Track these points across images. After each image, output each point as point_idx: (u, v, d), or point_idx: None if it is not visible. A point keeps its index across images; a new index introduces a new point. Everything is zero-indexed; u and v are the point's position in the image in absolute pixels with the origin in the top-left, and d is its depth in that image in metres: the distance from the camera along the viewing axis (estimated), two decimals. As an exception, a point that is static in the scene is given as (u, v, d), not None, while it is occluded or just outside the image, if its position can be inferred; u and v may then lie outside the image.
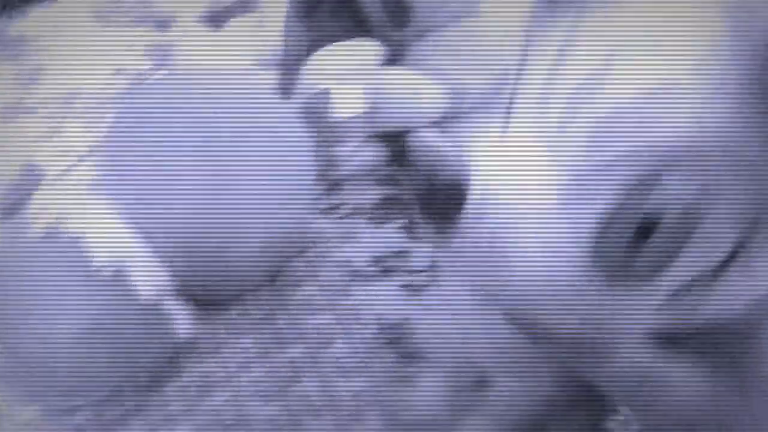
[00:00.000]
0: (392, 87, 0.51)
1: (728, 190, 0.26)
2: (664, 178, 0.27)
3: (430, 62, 0.53)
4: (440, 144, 0.51)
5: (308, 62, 0.50)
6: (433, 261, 0.50)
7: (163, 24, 0.65)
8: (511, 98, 0.33)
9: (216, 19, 0.60)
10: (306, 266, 0.50)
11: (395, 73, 0.51)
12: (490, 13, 0.51)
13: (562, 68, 0.30)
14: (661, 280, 0.28)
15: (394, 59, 0.56)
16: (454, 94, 0.50)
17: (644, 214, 0.27)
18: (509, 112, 0.33)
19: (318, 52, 0.50)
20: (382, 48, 0.50)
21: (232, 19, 0.57)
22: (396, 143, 0.55)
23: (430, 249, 0.51)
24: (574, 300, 0.29)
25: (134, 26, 0.66)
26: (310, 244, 0.51)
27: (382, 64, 0.52)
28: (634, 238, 0.27)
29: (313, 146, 0.48)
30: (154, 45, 0.65)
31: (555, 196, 0.29)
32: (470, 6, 0.52)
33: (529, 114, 0.31)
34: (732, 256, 0.27)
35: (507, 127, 0.33)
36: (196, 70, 0.52)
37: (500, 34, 0.51)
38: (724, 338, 0.28)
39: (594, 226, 0.28)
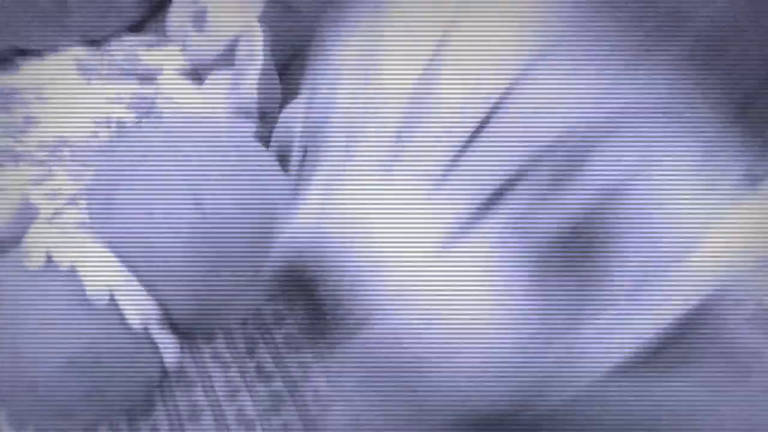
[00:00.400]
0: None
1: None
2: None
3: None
4: None
5: (286, 110, 0.54)
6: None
7: (146, 78, 0.69)
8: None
9: (197, 74, 0.64)
10: (287, 307, 0.53)
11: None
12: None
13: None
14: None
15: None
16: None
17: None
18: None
19: (295, 101, 0.54)
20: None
21: (212, 73, 0.61)
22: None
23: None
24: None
25: (118, 80, 0.69)
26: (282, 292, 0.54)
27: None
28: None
29: (290, 191, 0.51)
30: (137, 97, 0.69)
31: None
32: None
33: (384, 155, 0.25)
34: None
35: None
36: (181, 117, 0.55)
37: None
38: None
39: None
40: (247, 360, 0.49)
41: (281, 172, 0.51)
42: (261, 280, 0.50)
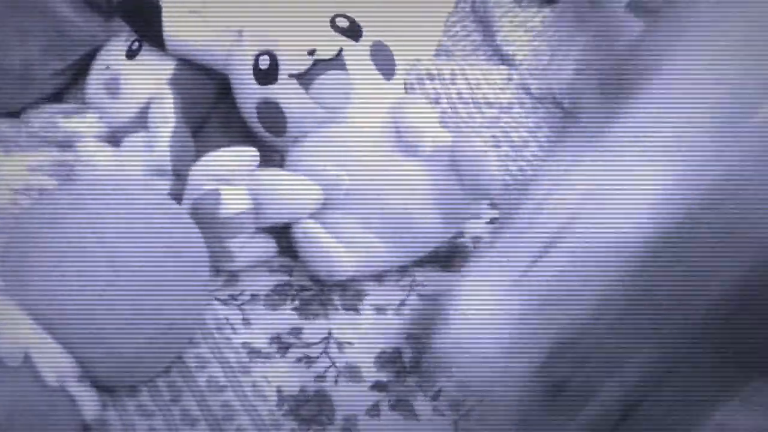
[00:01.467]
0: (271, 186, 0.58)
1: None
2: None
3: (304, 162, 0.61)
4: (319, 233, 0.58)
5: (195, 167, 0.57)
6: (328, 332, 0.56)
7: (66, 145, 0.71)
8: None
9: (114, 138, 0.66)
10: (210, 350, 0.55)
11: (272, 173, 0.59)
12: (353, 119, 0.60)
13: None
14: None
15: (277, 162, 0.63)
16: (325, 188, 0.58)
17: None
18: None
19: (203, 158, 0.57)
20: (257, 152, 0.57)
21: (128, 137, 0.63)
22: (284, 236, 0.61)
23: (322, 323, 0.57)
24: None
25: (38, 149, 0.71)
26: (213, 330, 0.56)
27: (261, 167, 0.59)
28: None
29: (204, 242, 0.54)
30: (58, 164, 0.71)
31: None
32: (334, 114, 0.60)
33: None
34: None
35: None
36: (94, 180, 0.57)
37: (362, 135, 0.59)
38: None
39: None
40: (172, 407, 0.51)
41: (194, 226, 0.54)
42: (178, 331, 0.52)
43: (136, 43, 0.66)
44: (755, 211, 0.28)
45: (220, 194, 0.56)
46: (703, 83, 0.31)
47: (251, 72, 0.60)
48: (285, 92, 0.59)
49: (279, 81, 0.59)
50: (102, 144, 0.67)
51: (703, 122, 0.30)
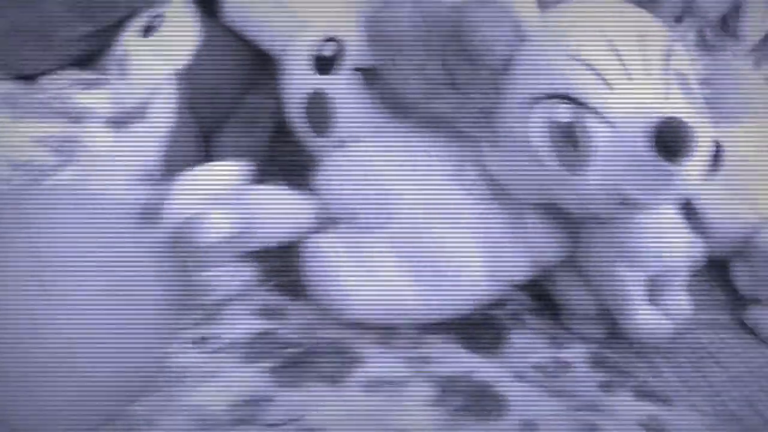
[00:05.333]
0: (263, 204, 0.48)
1: None
2: None
3: (345, 170, 0.50)
4: (336, 252, 0.47)
5: (174, 186, 0.47)
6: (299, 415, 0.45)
7: (76, 120, 0.63)
8: None
9: (120, 122, 0.57)
10: (158, 406, 0.46)
11: (263, 190, 0.48)
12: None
13: None
14: None
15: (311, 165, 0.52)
16: (360, 204, 0.47)
17: None
18: None
19: (183, 175, 0.47)
20: (247, 166, 0.47)
21: (129, 126, 0.54)
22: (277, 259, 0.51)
23: (296, 398, 0.46)
24: None
25: (48, 120, 0.64)
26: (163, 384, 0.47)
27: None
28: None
29: (172, 274, 0.44)
30: (64, 140, 0.63)
31: None
32: (393, 122, 0.49)
33: None
34: None
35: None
36: (55, 191, 0.49)
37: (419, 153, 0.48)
38: None
39: None
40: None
41: (160, 255, 0.44)
42: (124, 381, 0.43)
43: (158, 18, 0.57)
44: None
45: (202, 221, 0.46)
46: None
47: (310, 58, 0.50)
48: (344, 86, 0.49)
49: (341, 72, 0.49)
50: (107, 128, 0.58)
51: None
